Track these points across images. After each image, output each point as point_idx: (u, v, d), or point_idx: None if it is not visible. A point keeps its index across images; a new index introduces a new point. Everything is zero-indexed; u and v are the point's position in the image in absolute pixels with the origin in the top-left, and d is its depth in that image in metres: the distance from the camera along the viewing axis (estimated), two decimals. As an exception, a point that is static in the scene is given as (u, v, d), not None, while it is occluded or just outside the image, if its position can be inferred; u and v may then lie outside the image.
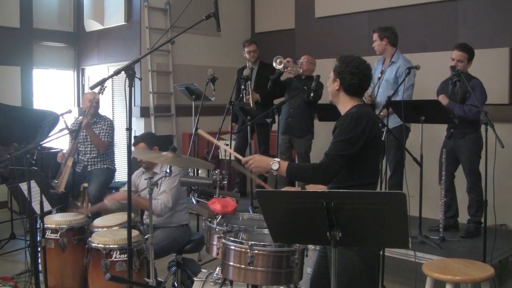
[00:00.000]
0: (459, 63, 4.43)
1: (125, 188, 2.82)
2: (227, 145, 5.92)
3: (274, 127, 5.85)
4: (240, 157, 2.78)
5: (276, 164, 2.57)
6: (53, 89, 7.83)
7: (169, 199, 3.65)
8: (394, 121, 4.53)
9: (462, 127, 4.46)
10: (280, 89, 5.70)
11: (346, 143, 2.47)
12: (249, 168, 2.65)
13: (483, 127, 3.78)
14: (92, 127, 5.11)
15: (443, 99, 4.47)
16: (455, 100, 4.47)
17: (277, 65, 5.34)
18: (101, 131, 5.13)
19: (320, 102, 5.36)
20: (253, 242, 2.58)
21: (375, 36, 4.91)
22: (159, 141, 3.94)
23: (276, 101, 5.82)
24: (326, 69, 5.36)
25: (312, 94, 4.98)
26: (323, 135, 5.51)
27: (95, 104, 5.09)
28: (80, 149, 5.18)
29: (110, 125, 5.18)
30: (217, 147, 5.76)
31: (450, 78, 4.46)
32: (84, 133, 5.04)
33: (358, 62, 2.57)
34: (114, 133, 5.29)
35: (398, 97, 4.42)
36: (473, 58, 4.48)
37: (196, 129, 5.29)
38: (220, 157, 6.44)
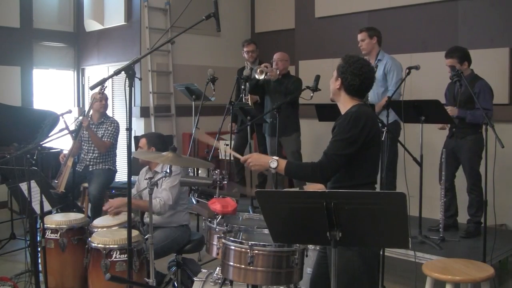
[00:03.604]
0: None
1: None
2: (226, 145, 5.93)
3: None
4: (238, 156, 2.78)
5: (274, 162, 2.57)
6: (53, 89, 7.83)
7: (170, 197, 3.65)
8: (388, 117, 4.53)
9: (463, 127, 4.46)
10: (261, 91, 5.76)
11: (345, 143, 2.47)
12: (248, 166, 2.66)
13: (482, 127, 3.78)
14: (98, 127, 5.12)
15: (453, 111, 4.43)
16: (459, 100, 4.47)
17: (258, 75, 5.37)
18: (105, 132, 5.13)
19: (320, 102, 5.36)
20: (253, 242, 2.59)
21: (364, 35, 4.96)
22: (162, 144, 3.92)
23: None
24: (325, 69, 5.39)
25: (312, 95, 4.98)
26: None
27: (104, 102, 5.12)
28: (83, 147, 5.20)
29: (115, 127, 5.18)
30: (217, 147, 5.77)
31: (450, 78, 4.46)
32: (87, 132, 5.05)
33: (361, 63, 2.57)
34: (119, 135, 5.29)
35: (390, 93, 4.51)
36: (466, 58, 4.46)
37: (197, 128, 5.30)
38: (220, 157, 6.44)
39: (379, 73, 4.84)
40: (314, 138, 5.73)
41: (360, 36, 5.00)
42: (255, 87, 5.66)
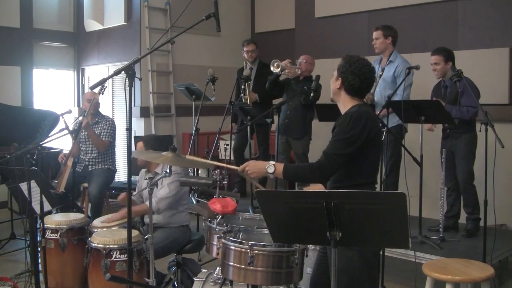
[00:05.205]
0: (436, 66, 4.47)
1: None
2: (226, 145, 5.93)
3: (274, 127, 5.85)
4: (235, 168, 2.74)
5: (271, 167, 2.56)
6: (53, 89, 7.83)
7: (167, 191, 3.67)
8: (392, 121, 4.52)
9: (457, 127, 4.46)
10: (279, 90, 5.71)
11: (345, 142, 2.47)
12: (246, 175, 2.65)
13: (482, 127, 3.78)
14: (94, 127, 5.11)
15: None
16: (446, 102, 4.47)
17: (274, 69, 5.36)
18: (102, 131, 5.13)
19: (320, 102, 5.37)
20: (253, 242, 2.59)
21: (379, 33, 4.88)
22: (158, 144, 3.93)
23: (275, 101, 5.83)
24: (325, 69, 5.39)
25: (312, 94, 4.99)
26: (321, 135, 5.51)
27: (94, 104, 5.08)
28: (81, 148, 5.19)
29: (111, 125, 5.18)
30: (217, 147, 5.78)
31: (449, 78, 4.45)
32: (85, 133, 5.04)
33: (361, 64, 2.57)
34: (116, 133, 5.28)
35: (397, 97, 4.43)
36: (451, 59, 4.47)
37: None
38: (220, 157, 6.44)
39: (388, 75, 4.80)
40: (316, 139, 5.72)
41: (375, 34, 4.92)
42: (273, 82, 5.57)
